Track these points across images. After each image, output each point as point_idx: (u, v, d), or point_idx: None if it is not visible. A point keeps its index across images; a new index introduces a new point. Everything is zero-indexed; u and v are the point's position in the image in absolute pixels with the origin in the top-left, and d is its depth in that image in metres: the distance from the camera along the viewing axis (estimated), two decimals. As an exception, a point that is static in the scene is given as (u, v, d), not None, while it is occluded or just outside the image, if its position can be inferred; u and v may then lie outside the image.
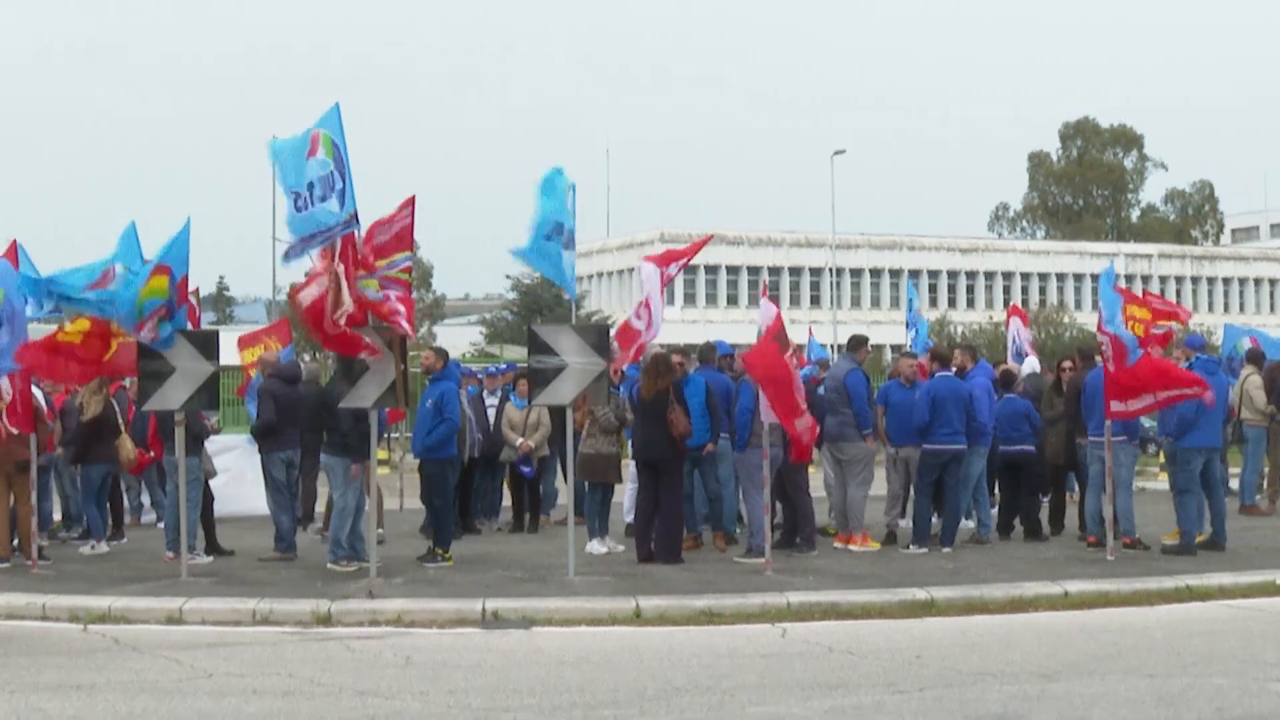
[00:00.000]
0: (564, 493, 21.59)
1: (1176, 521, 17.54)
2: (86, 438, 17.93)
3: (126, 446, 17.95)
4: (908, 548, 17.66)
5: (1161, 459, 28.80)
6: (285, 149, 15.02)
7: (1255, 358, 22.90)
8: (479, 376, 21.61)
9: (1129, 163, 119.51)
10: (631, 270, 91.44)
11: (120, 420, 17.90)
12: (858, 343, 19.08)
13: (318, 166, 14.75)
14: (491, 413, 20.47)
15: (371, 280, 15.11)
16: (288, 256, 15.18)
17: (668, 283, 18.98)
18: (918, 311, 25.40)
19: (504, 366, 22.74)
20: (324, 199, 14.72)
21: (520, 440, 20.04)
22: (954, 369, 18.69)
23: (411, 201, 15.62)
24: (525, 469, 20.33)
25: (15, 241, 17.19)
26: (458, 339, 68.53)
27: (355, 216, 14.87)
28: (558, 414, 19.54)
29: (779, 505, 17.81)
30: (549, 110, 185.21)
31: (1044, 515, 19.48)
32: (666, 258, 18.90)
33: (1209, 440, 17.46)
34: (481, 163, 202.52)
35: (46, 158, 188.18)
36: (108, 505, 18.61)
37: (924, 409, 17.65)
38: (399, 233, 15.45)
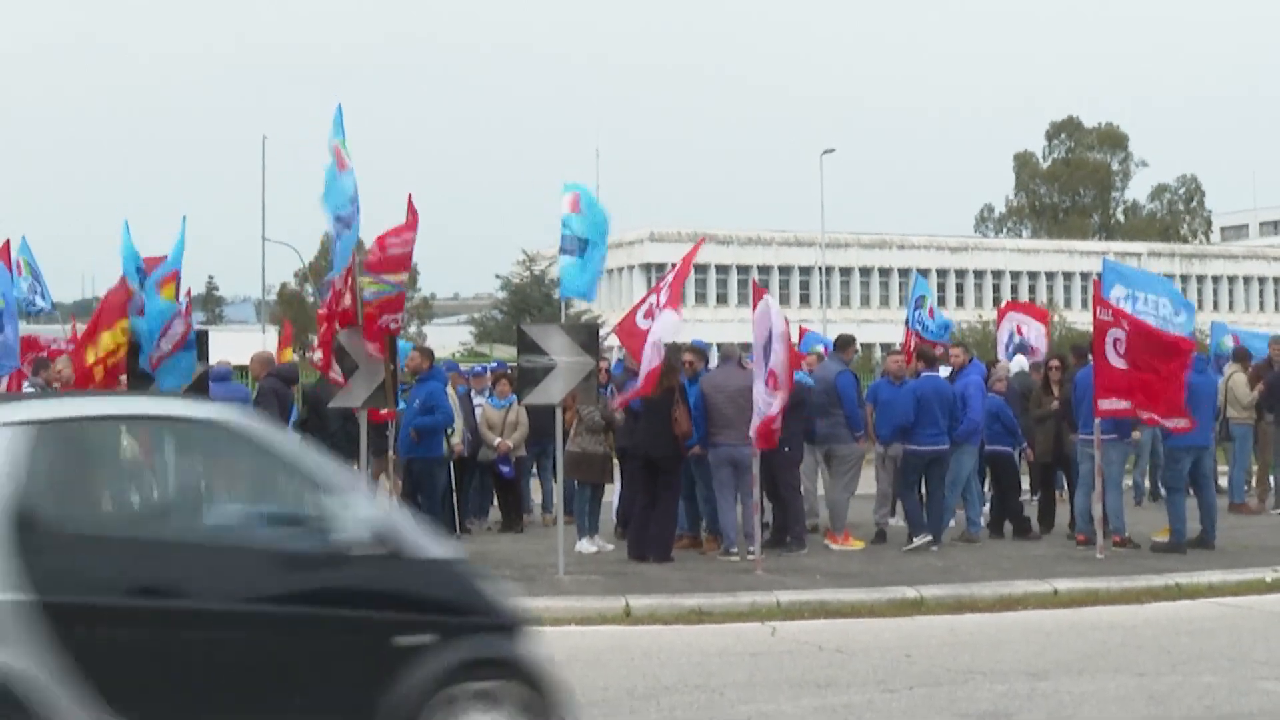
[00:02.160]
0: (540, 492, 21.58)
1: (1169, 519, 17.61)
2: None
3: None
4: (910, 543, 17.56)
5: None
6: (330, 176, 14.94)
7: (1240, 356, 22.92)
8: (467, 376, 21.60)
9: (1115, 162, 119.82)
10: (621, 270, 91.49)
11: None
12: (845, 342, 19.04)
13: (349, 178, 14.77)
14: (480, 412, 20.44)
15: (378, 284, 15.12)
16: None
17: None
18: (929, 309, 24.96)
19: (496, 364, 22.68)
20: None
21: (498, 440, 20.02)
22: (948, 367, 18.72)
23: (415, 223, 15.59)
24: (504, 469, 20.31)
25: (8, 241, 17.19)
26: (447, 338, 68.42)
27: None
28: (534, 413, 19.55)
29: (768, 504, 17.79)
30: (539, 109, 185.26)
31: (1033, 513, 19.52)
32: (675, 291, 18.66)
33: (1197, 439, 17.47)
34: (471, 162, 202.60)
35: (37, 154, 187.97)
36: None
37: (908, 409, 17.64)
38: (406, 254, 15.45)
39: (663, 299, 16.62)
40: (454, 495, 19.51)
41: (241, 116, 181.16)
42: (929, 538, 17.42)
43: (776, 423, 15.74)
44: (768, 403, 15.61)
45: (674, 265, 19.51)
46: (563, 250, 16.75)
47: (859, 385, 18.43)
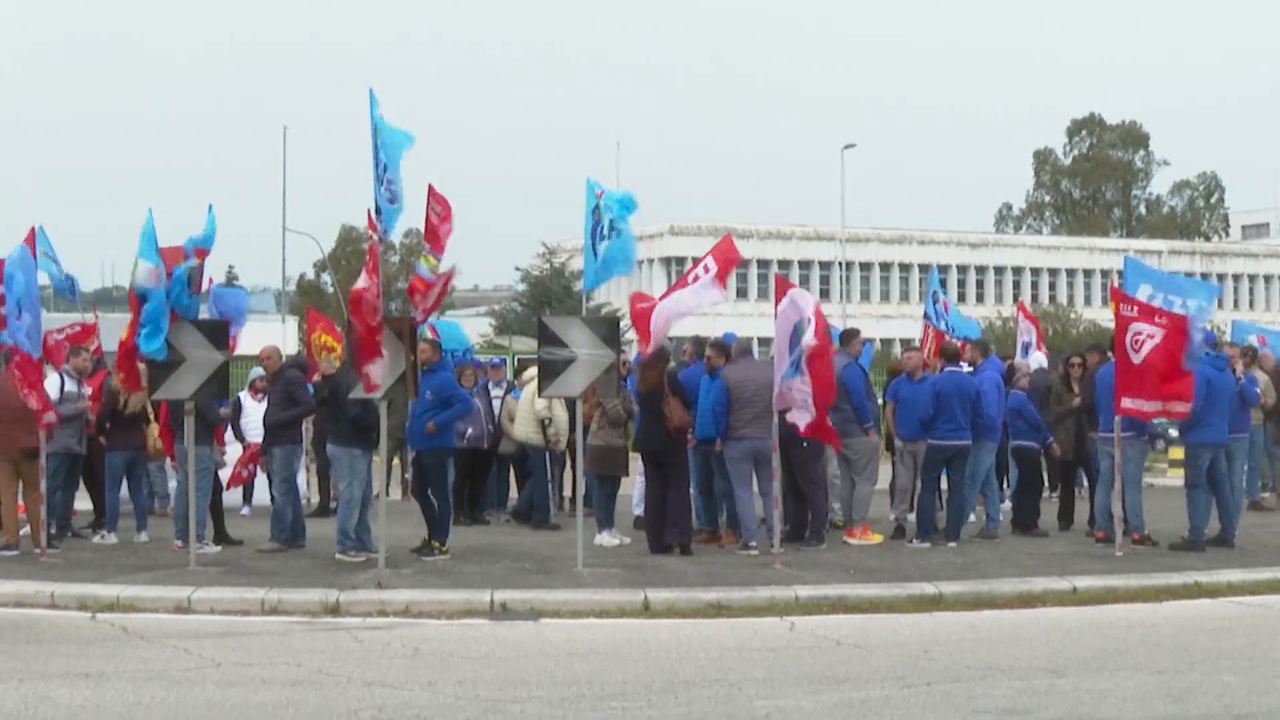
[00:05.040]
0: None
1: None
2: (104, 423, 17.93)
3: (154, 435, 17.94)
4: (910, 542, 17.70)
5: (1171, 455, 28.86)
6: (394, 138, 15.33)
7: (1248, 354, 22.84)
8: (485, 367, 21.66)
9: (1136, 160, 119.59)
10: (641, 263, 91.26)
11: (151, 409, 17.80)
12: (850, 335, 19.08)
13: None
14: (497, 404, 20.47)
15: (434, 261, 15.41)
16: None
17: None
18: (944, 304, 24.94)
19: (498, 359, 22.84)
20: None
21: None
22: (965, 364, 18.71)
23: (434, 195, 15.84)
24: None
25: (34, 228, 17.23)
26: (466, 330, 68.36)
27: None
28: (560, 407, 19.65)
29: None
30: (559, 102, 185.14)
31: (1053, 511, 19.57)
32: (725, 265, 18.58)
33: (1216, 436, 17.43)
34: (491, 154, 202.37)
35: (57, 148, 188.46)
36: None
37: (927, 403, 17.67)
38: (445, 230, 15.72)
39: (686, 294, 16.63)
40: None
41: (261, 111, 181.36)
42: (927, 546, 17.45)
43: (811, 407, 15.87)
44: (804, 393, 15.65)
45: (695, 260, 19.48)
46: (602, 239, 16.98)
47: (867, 379, 18.42)
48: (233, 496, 20.83)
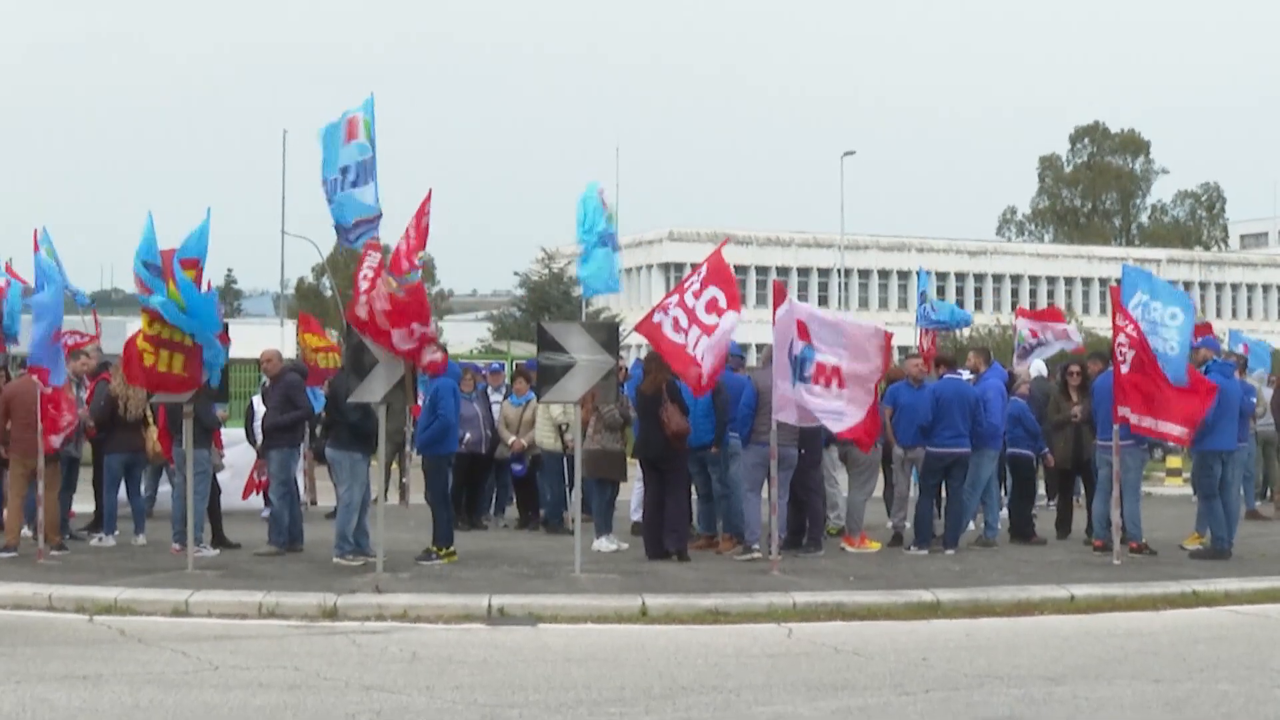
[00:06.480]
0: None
1: (1195, 526, 17.61)
2: (105, 425, 17.91)
3: (154, 438, 17.94)
4: (908, 549, 17.68)
5: (1169, 464, 28.88)
6: (330, 134, 15.33)
7: (1238, 366, 22.90)
8: (484, 373, 21.64)
9: (1138, 168, 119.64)
10: (640, 269, 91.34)
11: (149, 411, 17.79)
12: None
13: (356, 151, 15.03)
14: (497, 409, 20.46)
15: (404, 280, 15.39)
16: (349, 240, 15.56)
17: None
18: (932, 303, 24.86)
19: (497, 365, 22.87)
20: (355, 184, 14.97)
21: (512, 438, 20.04)
22: (966, 371, 18.71)
23: (429, 198, 15.79)
24: (516, 467, 20.35)
25: (36, 231, 17.21)
26: (465, 335, 68.38)
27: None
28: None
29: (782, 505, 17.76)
30: (559, 107, 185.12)
31: (1051, 519, 19.58)
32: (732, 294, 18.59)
33: (1227, 443, 17.44)
34: (491, 159, 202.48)
35: (57, 148, 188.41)
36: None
37: (927, 410, 17.66)
38: (423, 229, 15.65)
39: (692, 304, 16.46)
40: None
41: (260, 113, 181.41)
42: (925, 553, 17.44)
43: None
44: (838, 407, 15.74)
45: (694, 266, 19.47)
46: (601, 245, 17.08)
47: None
48: (255, 499, 20.85)
